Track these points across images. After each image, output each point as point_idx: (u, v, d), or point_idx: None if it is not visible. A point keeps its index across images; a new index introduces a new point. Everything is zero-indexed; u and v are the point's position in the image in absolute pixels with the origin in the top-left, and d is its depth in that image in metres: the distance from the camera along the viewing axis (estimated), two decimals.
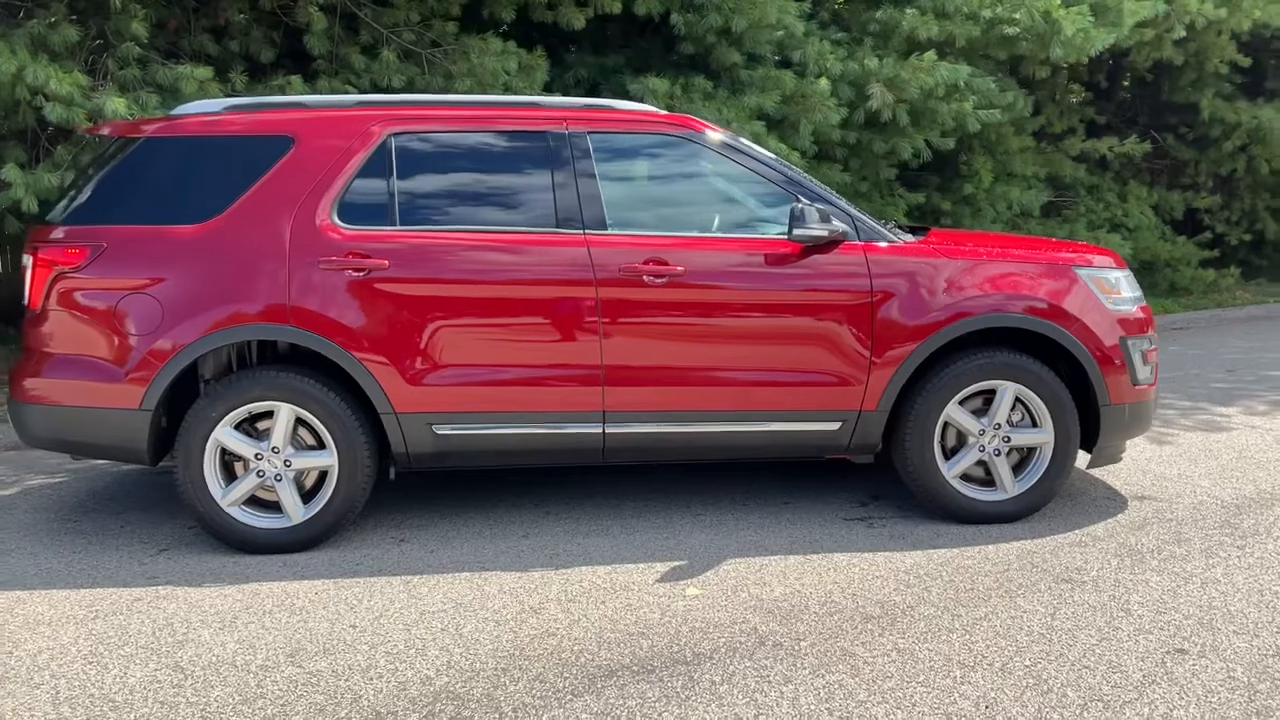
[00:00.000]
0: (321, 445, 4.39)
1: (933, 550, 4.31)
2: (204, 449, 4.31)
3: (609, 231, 4.45)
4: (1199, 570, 4.04)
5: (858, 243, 4.51)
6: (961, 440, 4.63)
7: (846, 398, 4.50)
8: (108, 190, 4.40)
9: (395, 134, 4.47)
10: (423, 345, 4.34)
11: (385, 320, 4.33)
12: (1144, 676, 3.19)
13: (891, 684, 3.16)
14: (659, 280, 4.40)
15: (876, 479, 5.29)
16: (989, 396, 4.60)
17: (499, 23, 8.23)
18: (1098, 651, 3.36)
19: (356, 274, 4.31)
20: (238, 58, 7.79)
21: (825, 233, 4.39)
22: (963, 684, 3.16)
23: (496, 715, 3.03)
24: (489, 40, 7.64)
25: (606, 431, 4.45)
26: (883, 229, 4.63)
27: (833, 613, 3.69)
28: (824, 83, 8.60)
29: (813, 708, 3.03)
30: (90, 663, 3.42)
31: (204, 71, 6.92)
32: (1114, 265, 4.83)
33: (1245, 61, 11.39)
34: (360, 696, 3.15)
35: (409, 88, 7.65)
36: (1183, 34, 10.00)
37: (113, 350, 4.30)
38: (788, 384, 4.48)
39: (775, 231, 4.59)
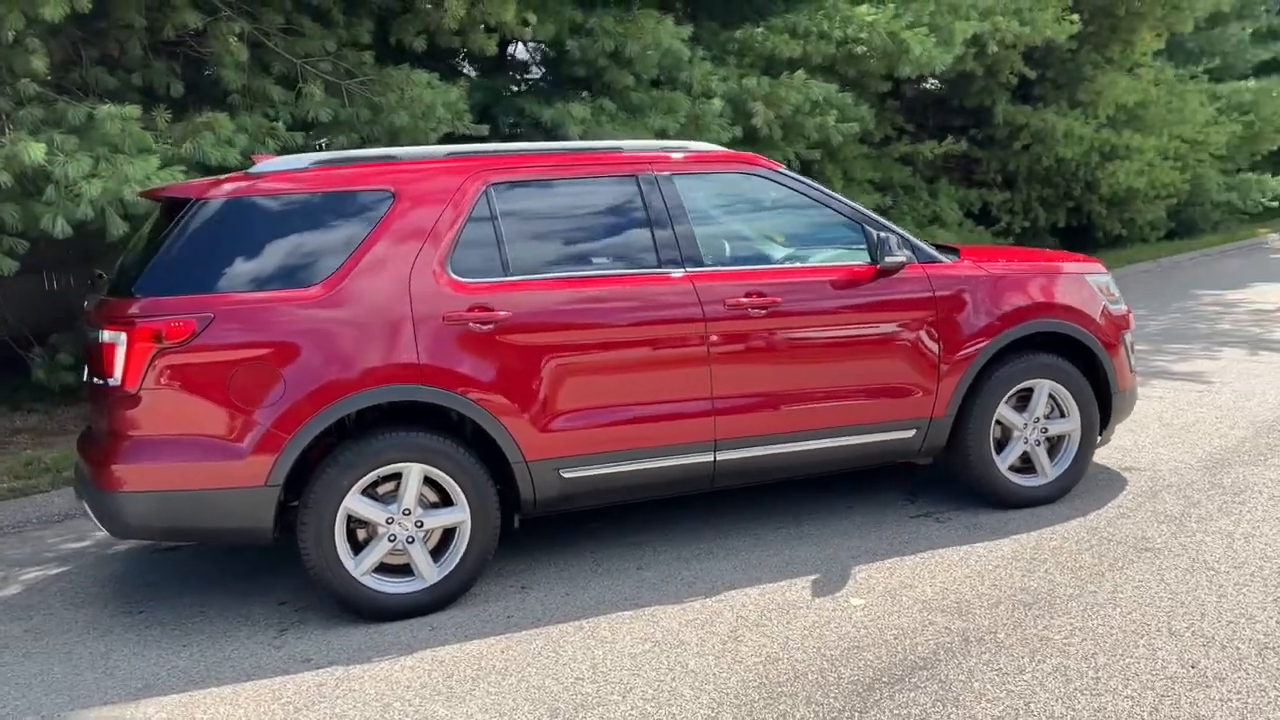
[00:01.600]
0: (446, 502, 4.34)
1: (1014, 537, 4.82)
2: (335, 519, 4.17)
3: (708, 268, 4.66)
4: (1229, 526, 4.77)
5: (918, 263, 4.96)
6: (1006, 434, 5.19)
7: (921, 406, 4.95)
8: (199, 256, 4.15)
9: (493, 184, 4.48)
10: (548, 392, 4.39)
11: (512, 370, 4.34)
12: (1277, 621, 3.81)
13: (1102, 659, 3.62)
14: (760, 312, 4.66)
15: (899, 478, 5.77)
16: (1025, 394, 5.18)
17: (406, 50, 8.08)
18: (1227, 605, 3.96)
19: (480, 327, 4.30)
20: (136, 91, 7.24)
21: (904, 258, 4.82)
22: (1156, 650, 3.66)
23: None
24: (414, 72, 7.51)
25: (717, 459, 4.67)
26: (933, 250, 5.11)
27: (995, 604, 4.12)
28: (716, 103, 9.05)
29: (1061, 689, 3.43)
30: None
31: (131, 110, 6.42)
32: (1104, 271, 5.56)
33: (1031, 73, 12.91)
34: None
35: (334, 122, 7.41)
36: (995, 49, 11.25)
37: (230, 426, 4.07)
38: (872, 398, 4.87)
39: (831, 255, 4.95)
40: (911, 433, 4.97)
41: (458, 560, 4.34)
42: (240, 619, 4.42)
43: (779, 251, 4.98)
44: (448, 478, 4.29)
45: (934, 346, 4.93)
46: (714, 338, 4.60)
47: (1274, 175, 17.99)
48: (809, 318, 4.77)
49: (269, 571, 4.92)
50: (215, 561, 5.12)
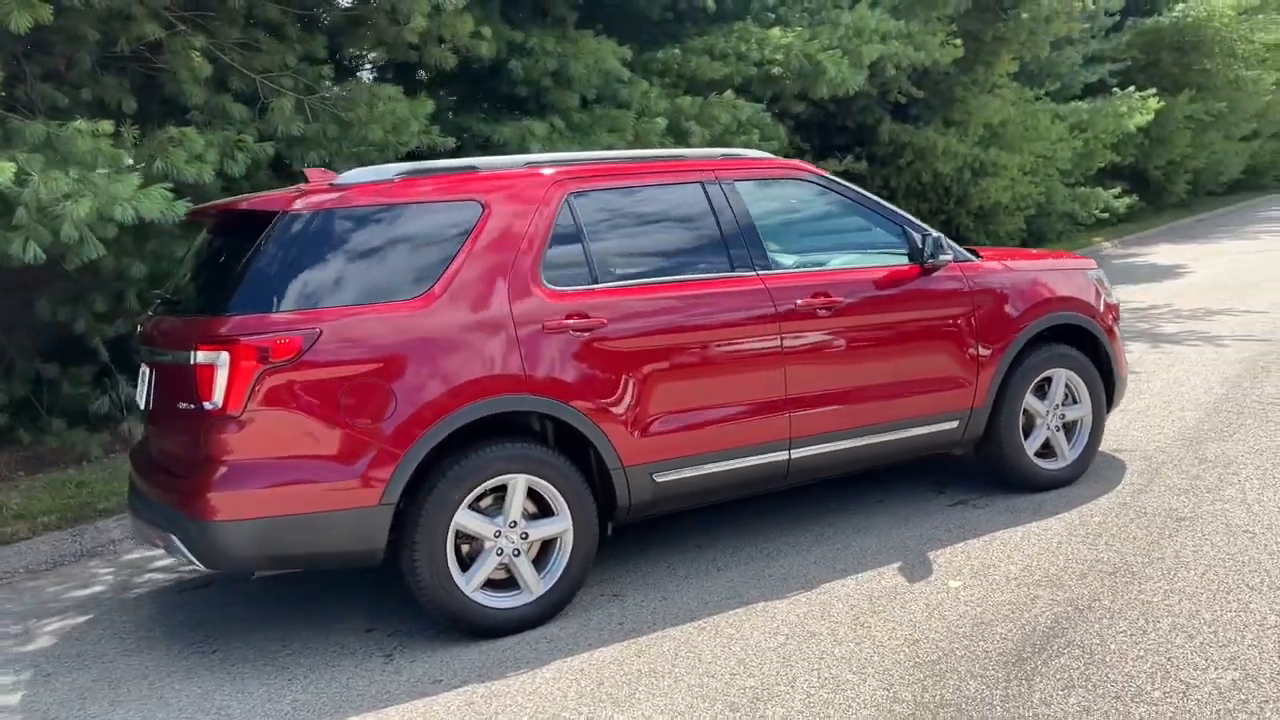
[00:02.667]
0: (545, 513, 4.30)
1: (1058, 517, 5.13)
2: (447, 536, 4.07)
3: (775, 270, 4.80)
4: (1237, 494, 5.22)
5: (954, 262, 5.24)
6: (1029, 422, 5.52)
7: (963, 398, 5.21)
8: (295, 269, 3.98)
9: (574, 193, 4.49)
10: (643, 397, 4.42)
11: (610, 377, 4.35)
12: None
13: (1207, 615, 3.92)
14: (825, 312, 4.83)
15: (916, 472, 6.03)
16: (1043, 383, 5.53)
17: (360, 66, 7.91)
18: (1276, 562, 4.37)
19: (579, 335, 4.30)
20: (85, 107, 6.82)
21: (951, 256, 5.08)
22: (1248, 604, 4.00)
23: (991, 710, 3.38)
24: (381, 85, 7.36)
25: (792, 456, 4.80)
26: (963, 250, 5.40)
27: (1081, 576, 4.39)
28: (660, 121, 9.22)
29: (1188, 643, 3.70)
30: None
31: (104, 126, 6.06)
32: (1097, 267, 6.00)
33: (919, 94, 13.65)
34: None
35: (303, 139, 7.18)
36: (892, 72, 11.86)
37: (341, 445, 3.93)
38: (923, 392, 5.11)
39: (875, 255, 5.18)
40: (955, 424, 5.23)
41: (561, 571, 4.31)
42: (334, 649, 4.24)
43: (831, 253, 5.15)
44: (551, 488, 4.26)
45: (973, 340, 5.21)
46: (787, 338, 4.73)
47: (1103, 189, 19.54)
48: (867, 316, 4.96)
49: (326, 601, 4.73)
50: (258, 598, 4.88)
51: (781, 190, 5.05)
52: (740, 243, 4.75)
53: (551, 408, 4.23)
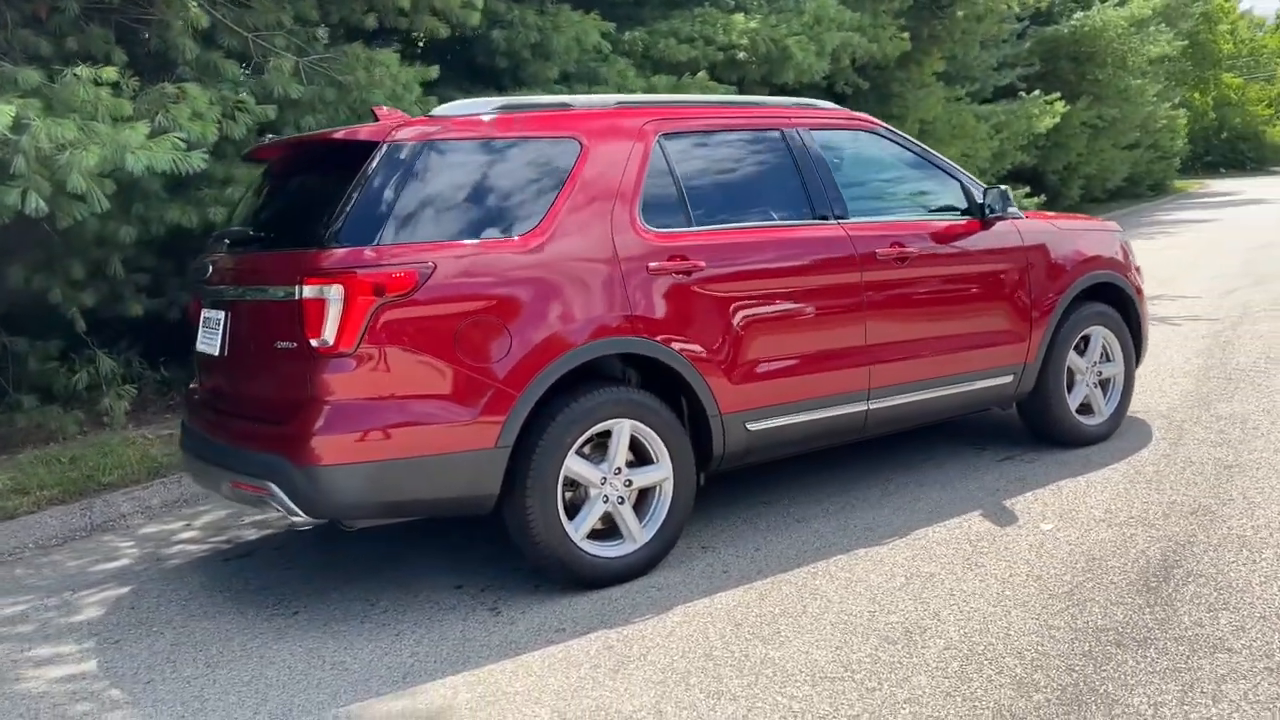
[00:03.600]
0: (645, 460, 4.18)
1: (1112, 467, 5.22)
2: (558, 481, 3.92)
3: (853, 219, 4.78)
4: (1267, 444, 5.42)
5: (1008, 218, 5.31)
6: (1070, 379, 5.63)
7: (1018, 353, 5.29)
8: (402, 203, 3.77)
9: (665, 135, 4.39)
10: (739, 343, 4.34)
11: (708, 322, 4.26)
12: None
13: None
14: (900, 262, 4.83)
15: (949, 433, 6.10)
16: (1083, 340, 5.65)
17: (354, 29, 7.62)
18: None
19: (680, 277, 4.20)
20: (71, 58, 6.38)
21: (1017, 209, 5.15)
22: None
23: (1150, 632, 3.41)
24: (380, 51, 7.10)
25: (870, 408, 4.78)
26: (1015, 207, 5.47)
27: (1166, 516, 4.48)
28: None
29: None
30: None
31: (108, 72, 5.67)
32: (1122, 231, 6.17)
33: (864, 84, 13.87)
34: (1047, 649, 3.34)
35: (298, 102, 6.86)
36: (847, 61, 12.03)
37: (456, 386, 3.74)
38: (984, 345, 5.15)
39: (937, 208, 5.20)
40: (1009, 378, 5.30)
41: (662, 520, 4.19)
42: (429, 605, 4.03)
43: (898, 205, 5.15)
44: (654, 434, 4.14)
45: (1027, 296, 5.28)
46: (868, 288, 4.72)
47: (1012, 190, 20.28)
48: (936, 268, 4.99)
49: (395, 561, 4.52)
50: (314, 563, 4.64)
51: (851, 141, 5.03)
52: (820, 191, 4.72)
53: (657, 351, 4.11)
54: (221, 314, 4.07)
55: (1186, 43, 32.69)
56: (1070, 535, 4.31)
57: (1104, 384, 5.76)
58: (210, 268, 4.11)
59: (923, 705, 3.01)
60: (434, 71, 7.41)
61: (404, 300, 3.64)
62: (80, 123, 5.43)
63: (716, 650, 3.46)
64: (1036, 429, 5.65)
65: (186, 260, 8.05)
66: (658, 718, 3.05)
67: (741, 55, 10.70)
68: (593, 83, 9.40)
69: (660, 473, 4.17)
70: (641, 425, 4.10)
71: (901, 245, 4.84)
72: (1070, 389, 5.60)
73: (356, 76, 6.90)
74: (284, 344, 3.70)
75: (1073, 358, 5.56)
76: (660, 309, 4.13)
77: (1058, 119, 19.90)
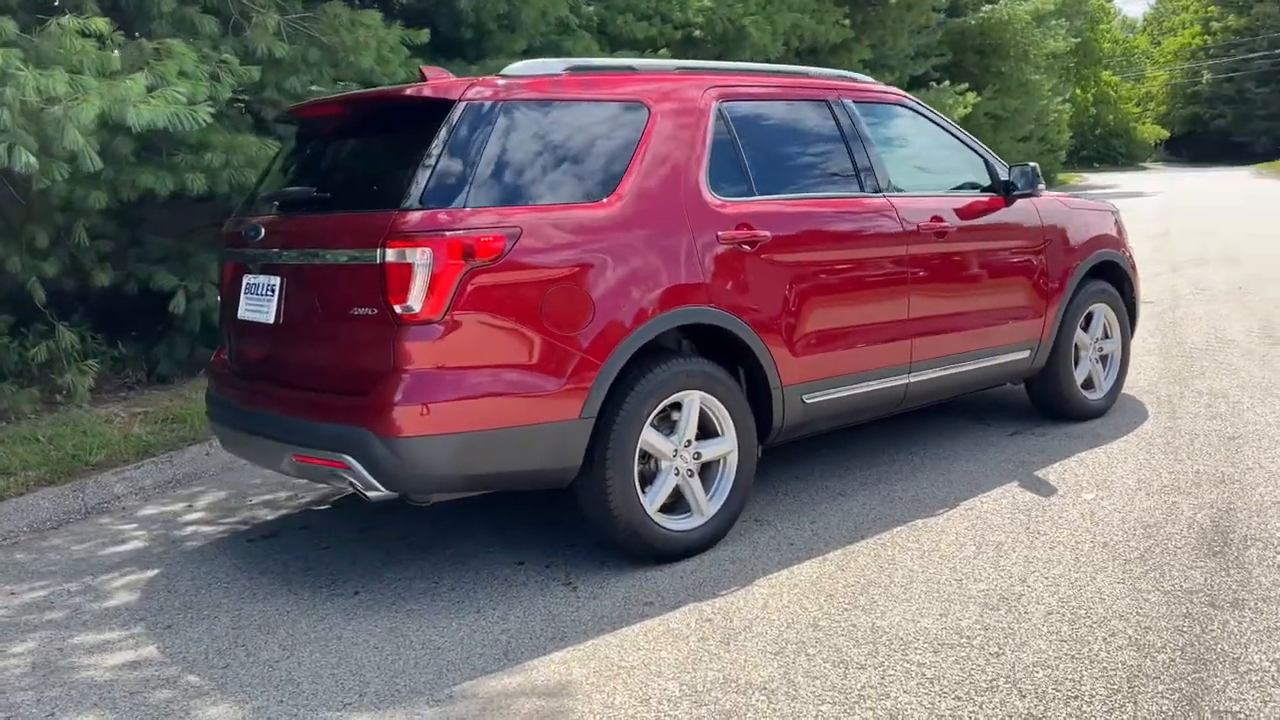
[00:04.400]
0: (710, 433, 4.13)
1: (1123, 439, 5.38)
2: (634, 454, 3.84)
3: (896, 193, 4.80)
4: (1257, 416, 5.66)
5: (1035, 195, 5.40)
6: (1075, 355, 5.78)
7: (1035, 329, 5.40)
8: (484, 164, 3.62)
9: (724, 102, 4.32)
10: (800, 315, 4.32)
11: (773, 292, 4.23)
12: None
13: None
14: (938, 237, 4.88)
15: (948, 412, 6.20)
16: (1086, 318, 5.80)
17: None
18: None
19: (747, 247, 4.15)
20: (45, 8, 5.97)
21: (1040, 188, 5.24)
22: None
23: (1237, 594, 3.52)
24: (364, 13, 6.82)
25: (910, 381, 4.82)
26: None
27: (1196, 485, 4.63)
28: None
29: None
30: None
31: (97, 23, 5.32)
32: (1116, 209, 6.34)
33: None
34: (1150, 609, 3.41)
35: (280, 62, 6.56)
36: (795, 43, 12.10)
37: (542, 354, 3.62)
38: (1009, 320, 5.25)
39: (962, 183, 5.26)
40: (1027, 354, 5.41)
41: (727, 493, 4.14)
42: (498, 582, 3.91)
43: (930, 180, 5.19)
44: (722, 407, 4.09)
45: (1044, 273, 5.40)
46: (912, 261, 4.75)
47: None
48: (969, 243, 5.05)
49: (442, 539, 4.38)
50: (350, 542, 4.47)
51: (886, 114, 5.04)
52: (867, 163, 4.72)
53: (727, 321, 4.05)
54: (276, 279, 3.85)
55: (1079, 40, 33.99)
56: (1115, 504, 4.42)
57: (1103, 359, 5.93)
58: (261, 230, 3.87)
59: (1053, 668, 3.04)
60: (424, 35, 7.17)
61: (492, 266, 3.51)
62: (69, 76, 5.07)
63: (821, 621, 3.43)
64: (1044, 404, 5.78)
65: (142, 229, 7.69)
66: (791, 687, 3.01)
67: (698, 33, 10.66)
68: (559, 56, 9.22)
69: (725, 446, 4.12)
70: (710, 398, 4.04)
71: (940, 220, 4.88)
72: (1076, 364, 5.75)
73: (341, 37, 6.62)
74: (361, 310, 3.52)
75: (1078, 334, 5.70)
76: (730, 279, 4.07)
77: (969, 109, 20.46)
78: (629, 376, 3.81)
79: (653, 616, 3.54)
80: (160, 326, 7.96)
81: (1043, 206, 5.45)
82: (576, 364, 3.65)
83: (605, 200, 3.82)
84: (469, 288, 3.47)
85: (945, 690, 2.95)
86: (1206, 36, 64.73)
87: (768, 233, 4.20)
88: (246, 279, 4.02)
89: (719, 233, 4.05)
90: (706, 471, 4.13)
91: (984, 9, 23.52)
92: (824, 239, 4.42)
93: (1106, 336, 5.93)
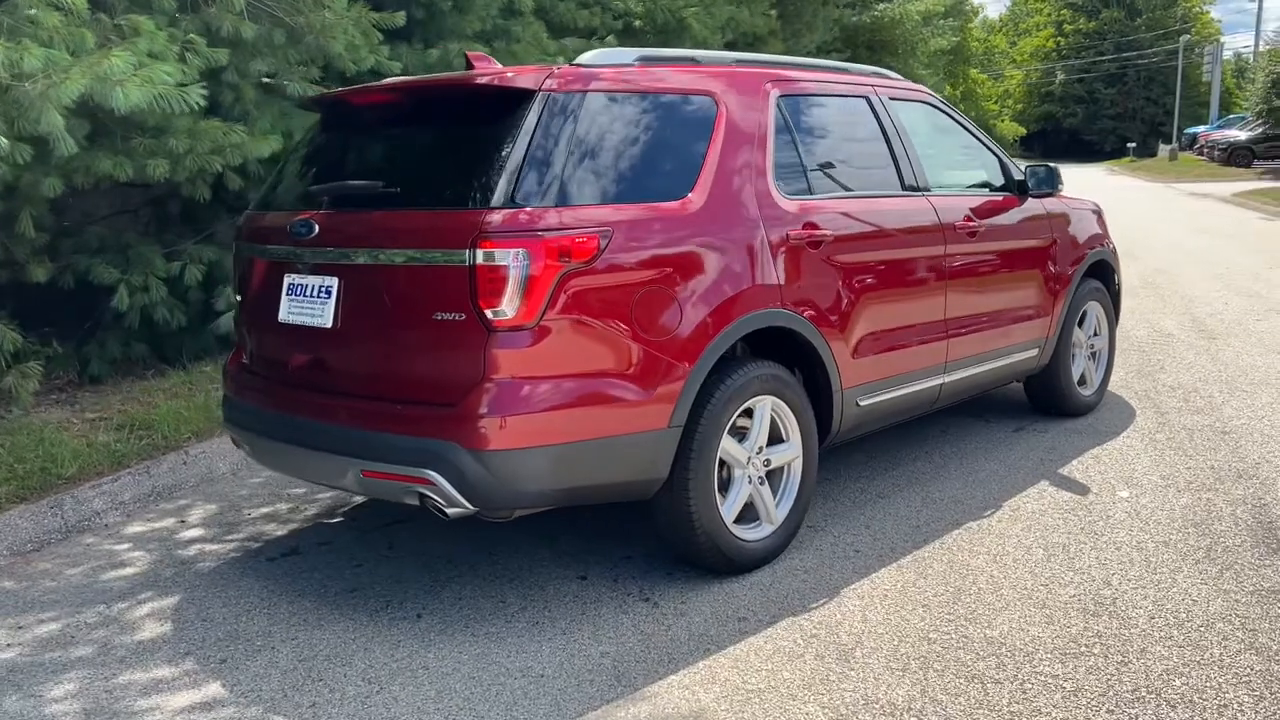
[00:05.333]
0: (777, 439, 4.02)
1: (1124, 435, 5.50)
2: (715, 462, 3.70)
3: (932, 192, 4.77)
4: (1235, 410, 5.88)
5: (1055, 195, 5.46)
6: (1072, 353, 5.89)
7: (1044, 327, 5.47)
8: (569, 159, 3.41)
9: (782, 96, 4.20)
10: (858, 316, 4.24)
11: (836, 294, 4.14)
12: None
13: None
14: (971, 235, 4.87)
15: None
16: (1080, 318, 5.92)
17: None
18: None
19: (813, 247, 4.05)
20: None
21: (1062, 188, 5.29)
22: None
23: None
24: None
25: (944, 381, 4.81)
26: None
27: (1220, 480, 4.75)
28: (561, 60, 8.76)
29: None
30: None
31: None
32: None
33: None
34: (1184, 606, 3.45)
35: (238, 43, 6.12)
36: (730, 36, 12.03)
37: (632, 362, 3.44)
38: (1025, 319, 5.30)
39: (978, 182, 5.28)
40: (1035, 351, 5.47)
41: (793, 501, 4.04)
42: (568, 600, 3.71)
43: (955, 176, 5.17)
44: (790, 412, 3.98)
45: (1052, 271, 5.47)
46: (949, 261, 4.72)
47: None
48: (996, 242, 5.06)
49: (484, 554, 4.15)
50: (383, 560, 4.19)
51: (915, 111, 4.99)
52: (906, 161, 4.67)
53: (797, 324, 3.94)
54: (333, 280, 3.54)
55: (958, 39, 35.11)
56: (1153, 501, 4.49)
57: (1093, 356, 6.05)
58: (314, 227, 3.55)
59: (1187, 676, 3.04)
60: (400, 18, 6.79)
61: (586, 268, 3.30)
62: (42, 51, 4.60)
63: (931, 634, 3.36)
64: (1042, 400, 5.86)
65: (74, 221, 7.10)
66: (936, 705, 2.93)
67: (638, 23, 10.49)
68: (510, 41, 8.94)
69: (791, 452, 4.02)
70: (780, 403, 3.93)
71: (971, 219, 4.87)
72: (1071, 361, 5.85)
73: (309, 19, 6.21)
74: (445, 315, 3.26)
75: (1079, 333, 5.80)
76: (799, 280, 3.96)
77: None
78: (710, 383, 3.65)
79: (753, 634, 3.40)
80: (89, 324, 7.40)
81: (1050, 206, 5.51)
82: (665, 372, 3.48)
83: (685, 198, 3.65)
84: (563, 291, 3.26)
85: (1092, 703, 2.91)
86: (1059, 39, 67.82)
87: (830, 232, 4.10)
88: (290, 279, 3.70)
89: (789, 232, 3.93)
90: (772, 478, 4.01)
91: (878, 7, 23.96)
92: (878, 238, 4.35)
93: (1096, 334, 6.05)
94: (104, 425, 5.66)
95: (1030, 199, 5.35)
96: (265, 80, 6.59)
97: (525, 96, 3.41)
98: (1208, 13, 65.08)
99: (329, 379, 3.60)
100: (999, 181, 5.30)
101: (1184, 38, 52.79)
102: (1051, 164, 5.38)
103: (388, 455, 3.35)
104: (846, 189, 4.36)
